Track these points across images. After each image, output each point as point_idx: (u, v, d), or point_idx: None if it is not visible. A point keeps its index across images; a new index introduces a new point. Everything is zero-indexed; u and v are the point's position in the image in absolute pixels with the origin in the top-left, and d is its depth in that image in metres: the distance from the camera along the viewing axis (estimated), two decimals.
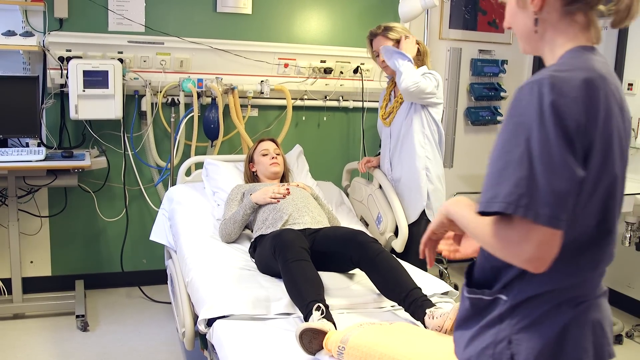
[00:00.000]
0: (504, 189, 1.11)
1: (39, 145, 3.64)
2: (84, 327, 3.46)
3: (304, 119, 4.32)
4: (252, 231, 3.13)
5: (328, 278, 2.68)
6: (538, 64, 4.87)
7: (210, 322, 2.39)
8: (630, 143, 1.29)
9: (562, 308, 1.19)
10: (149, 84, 3.84)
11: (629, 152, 1.31)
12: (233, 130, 4.04)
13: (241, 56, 3.98)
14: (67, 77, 3.60)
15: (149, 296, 3.96)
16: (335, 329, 2.18)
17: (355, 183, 3.80)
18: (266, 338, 2.23)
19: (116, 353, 3.24)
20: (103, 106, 3.63)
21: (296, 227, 2.90)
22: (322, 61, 4.18)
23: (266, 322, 2.37)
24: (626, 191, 3.73)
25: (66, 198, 3.90)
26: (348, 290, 2.66)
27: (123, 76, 3.70)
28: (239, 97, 3.98)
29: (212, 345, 2.37)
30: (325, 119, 4.38)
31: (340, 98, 4.32)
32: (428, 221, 3.19)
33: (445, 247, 1.45)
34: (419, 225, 3.23)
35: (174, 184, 3.81)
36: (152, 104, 3.90)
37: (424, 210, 3.24)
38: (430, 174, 3.24)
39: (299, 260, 2.50)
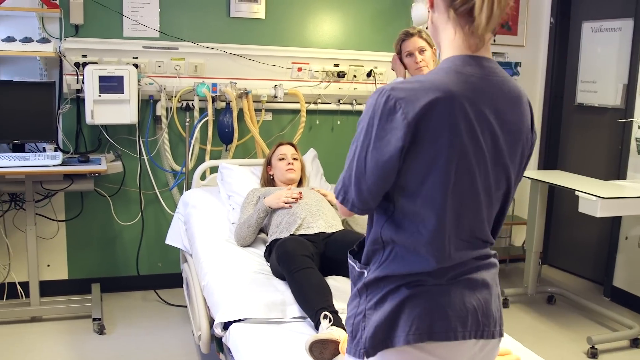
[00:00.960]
0: (340, 180, 1.36)
1: (55, 150, 3.67)
2: (101, 330, 3.49)
3: (317, 122, 4.33)
4: (267, 235, 3.14)
5: (339, 283, 2.69)
6: (552, 66, 4.85)
7: (226, 326, 2.40)
8: (516, 148, 1.37)
9: (400, 289, 1.32)
10: (164, 88, 3.86)
11: None
12: (247, 135, 4.06)
13: (255, 60, 4.00)
14: (83, 83, 3.64)
15: (165, 299, 3.98)
16: (346, 331, 2.19)
17: None
18: (282, 341, 2.24)
19: (132, 356, 3.26)
20: (118, 111, 3.66)
21: (310, 231, 2.91)
22: (335, 65, 4.19)
23: (282, 325, 2.38)
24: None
25: (82, 202, 3.94)
26: None
27: (138, 81, 3.72)
28: (253, 102, 4.00)
29: (228, 349, 2.38)
30: (339, 122, 4.38)
31: (354, 102, 4.32)
32: None
33: None
34: None
35: (189, 188, 3.83)
36: (166, 108, 3.93)
37: None
38: None
39: (303, 269, 2.51)
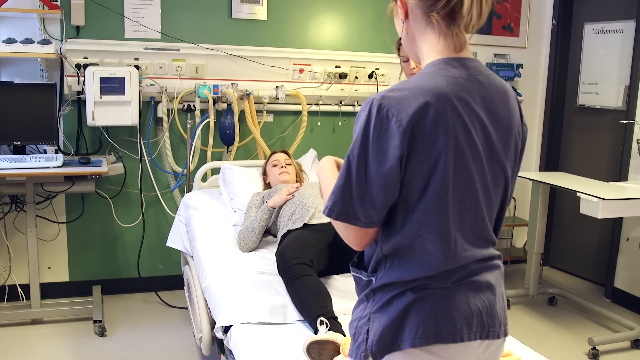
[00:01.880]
0: (331, 195, 1.31)
1: (56, 152, 3.67)
2: (102, 333, 3.48)
3: (319, 124, 4.33)
4: (275, 237, 3.15)
5: (340, 283, 2.69)
6: (554, 67, 4.85)
7: (227, 328, 2.40)
8: (509, 147, 1.38)
9: (406, 293, 1.32)
10: (165, 90, 3.86)
11: None
12: (249, 136, 4.05)
13: (256, 62, 4.00)
14: (84, 84, 3.63)
15: (166, 301, 3.97)
16: (345, 335, 2.19)
17: None
18: (283, 343, 2.23)
19: (133, 358, 3.26)
20: (120, 112, 3.65)
21: (323, 220, 2.94)
22: (337, 66, 4.19)
23: (283, 327, 2.38)
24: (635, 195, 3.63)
25: (83, 204, 3.93)
26: None
27: (139, 83, 3.72)
28: (255, 103, 3.99)
29: (230, 351, 2.37)
30: (340, 124, 4.38)
31: (356, 103, 4.32)
32: None
33: None
34: None
35: (190, 189, 3.82)
36: (168, 110, 3.93)
37: None
38: None
39: (300, 277, 2.51)
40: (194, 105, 3.93)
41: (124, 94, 3.62)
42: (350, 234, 1.35)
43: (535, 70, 4.90)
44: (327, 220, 2.94)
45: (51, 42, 3.56)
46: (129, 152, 3.94)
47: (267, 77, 4.05)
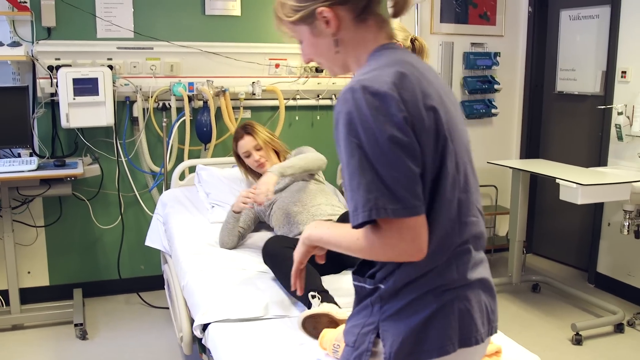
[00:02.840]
0: (360, 199, 1.15)
1: (31, 155, 3.63)
2: (83, 336, 3.45)
3: (297, 118, 4.30)
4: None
5: (339, 279, 2.68)
6: (532, 55, 4.85)
7: (206, 326, 2.38)
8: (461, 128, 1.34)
9: (427, 297, 1.24)
10: (140, 89, 3.82)
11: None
12: (226, 133, 4.02)
13: (231, 58, 3.97)
14: (57, 86, 3.58)
15: (148, 302, 3.94)
16: (339, 307, 2.22)
17: None
18: (261, 340, 2.21)
19: None
20: (94, 113, 3.61)
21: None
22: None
23: (261, 322, 2.35)
24: (622, 179, 3.68)
25: (61, 207, 3.89)
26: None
27: (113, 83, 3.68)
28: (231, 99, 3.96)
29: (208, 349, 2.35)
30: (318, 117, 4.36)
31: (333, 96, 4.30)
32: None
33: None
34: None
35: (168, 188, 3.79)
36: (143, 109, 3.89)
37: None
38: None
39: (285, 261, 2.48)
40: (169, 103, 3.90)
41: (98, 95, 3.58)
42: (410, 234, 1.16)
43: (513, 58, 4.90)
44: None
45: (21, 45, 3.50)
46: (105, 153, 3.90)
47: (243, 73, 4.03)
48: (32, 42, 3.65)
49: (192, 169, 3.85)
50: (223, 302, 2.43)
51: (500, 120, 4.91)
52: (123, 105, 3.88)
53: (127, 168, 3.95)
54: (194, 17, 3.98)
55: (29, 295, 3.83)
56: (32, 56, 3.61)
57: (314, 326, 2.13)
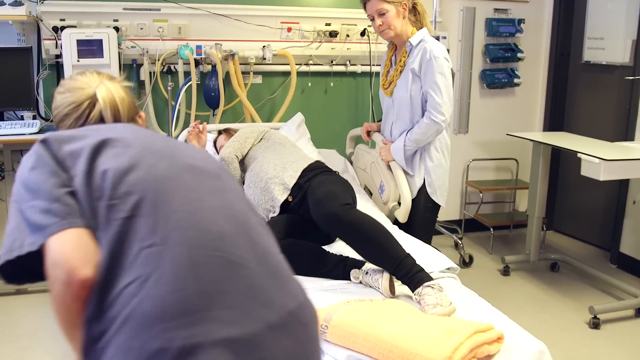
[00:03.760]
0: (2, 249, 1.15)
1: (34, 118, 3.55)
2: None
3: (309, 85, 4.16)
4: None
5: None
6: (558, 22, 4.62)
7: None
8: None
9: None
10: (147, 52, 3.71)
11: None
12: (236, 99, 3.90)
13: (241, 21, 3.83)
14: (61, 48, 3.49)
15: None
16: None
17: (359, 150, 3.64)
18: None
19: None
20: None
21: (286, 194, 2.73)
22: (327, 24, 4.00)
23: None
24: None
25: None
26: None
27: (119, 45, 3.57)
28: (241, 64, 3.83)
29: None
30: (332, 84, 4.21)
31: (348, 62, 4.14)
32: (427, 196, 3.05)
33: None
34: (418, 199, 3.08)
35: None
36: (150, 72, 3.77)
37: (424, 185, 3.07)
38: (435, 146, 3.05)
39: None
40: (175, 67, 3.78)
41: (103, 57, 3.47)
42: (55, 262, 1.16)
43: (538, 26, 4.66)
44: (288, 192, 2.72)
45: (23, 4, 3.40)
46: None
47: (253, 36, 3.89)
48: (37, 2, 3.55)
49: None
50: None
51: (523, 91, 4.70)
52: (130, 68, 3.77)
53: None
54: None
55: None
56: (37, 16, 3.51)
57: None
